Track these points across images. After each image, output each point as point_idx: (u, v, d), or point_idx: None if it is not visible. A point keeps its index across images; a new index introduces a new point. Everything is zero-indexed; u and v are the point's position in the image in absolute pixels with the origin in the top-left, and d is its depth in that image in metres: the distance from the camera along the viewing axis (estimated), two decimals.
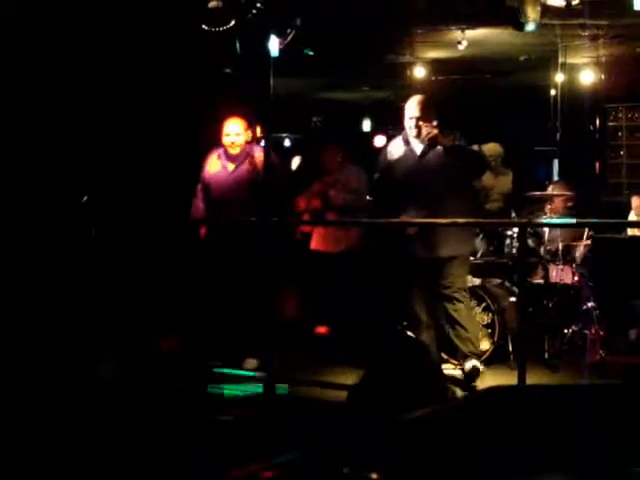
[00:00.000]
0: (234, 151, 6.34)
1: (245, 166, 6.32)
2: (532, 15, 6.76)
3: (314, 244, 7.30)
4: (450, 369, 6.25)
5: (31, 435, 4.32)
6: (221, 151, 6.41)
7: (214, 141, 6.45)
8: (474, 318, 6.35)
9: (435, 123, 5.93)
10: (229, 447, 4.40)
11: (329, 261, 7.11)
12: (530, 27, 6.80)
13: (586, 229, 7.06)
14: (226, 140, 6.35)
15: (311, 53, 7.80)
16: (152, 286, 6.44)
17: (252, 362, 6.17)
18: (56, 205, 5.96)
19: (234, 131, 6.34)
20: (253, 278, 5.94)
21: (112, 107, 6.65)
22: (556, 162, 11.15)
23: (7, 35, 5.76)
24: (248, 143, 6.46)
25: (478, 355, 6.08)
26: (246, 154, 6.34)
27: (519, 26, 6.88)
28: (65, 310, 5.70)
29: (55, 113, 6.13)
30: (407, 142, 6.01)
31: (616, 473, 2.08)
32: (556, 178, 10.53)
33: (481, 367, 6.03)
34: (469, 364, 5.98)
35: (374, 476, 2.06)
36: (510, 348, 6.54)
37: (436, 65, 9.65)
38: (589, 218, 7.19)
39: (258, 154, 6.30)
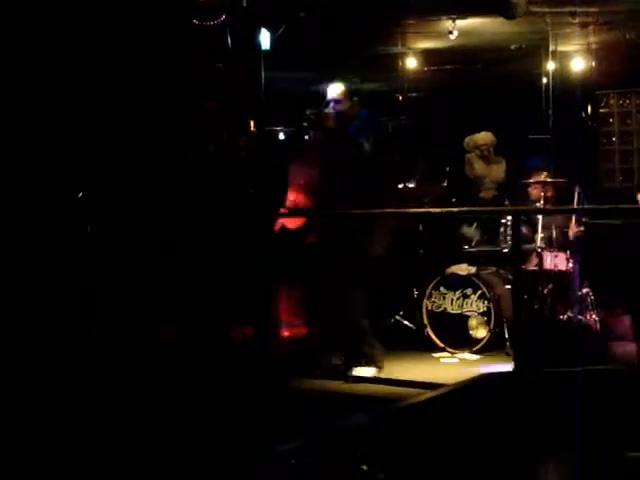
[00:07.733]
0: None
1: None
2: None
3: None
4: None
5: None
6: None
7: (204, 134, 6.45)
8: None
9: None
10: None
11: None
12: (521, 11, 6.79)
13: (573, 215, 7.09)
14: None
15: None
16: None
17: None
18: (52, 201, 5.97)
19: None
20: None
21: (102, 102, 6.65)
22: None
23: (7, 35, 5.76)
24: None
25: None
26: None
27: (508, 14, 6.89)
28: (60, 307, 5.73)
29: (49, 110, 6.14)
30: None
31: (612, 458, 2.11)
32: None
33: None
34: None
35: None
36: (506, 335, 6.58)
37: (428, 55, 9.65)
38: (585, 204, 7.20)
39: None
